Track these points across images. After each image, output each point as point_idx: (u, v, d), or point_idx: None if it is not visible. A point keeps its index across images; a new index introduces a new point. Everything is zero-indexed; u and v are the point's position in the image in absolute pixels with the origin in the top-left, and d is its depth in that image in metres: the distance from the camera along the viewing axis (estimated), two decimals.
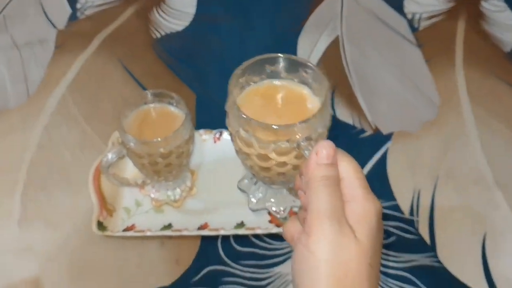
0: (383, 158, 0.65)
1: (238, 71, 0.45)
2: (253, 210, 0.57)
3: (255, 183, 0.58)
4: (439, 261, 0.55)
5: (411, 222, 0.58)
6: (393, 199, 0.61)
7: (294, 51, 0.79)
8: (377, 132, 0.68)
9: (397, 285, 0.53)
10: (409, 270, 0.54)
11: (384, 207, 0.60)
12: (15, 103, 0.72)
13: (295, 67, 0.47)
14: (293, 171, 0.45)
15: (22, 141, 0.66)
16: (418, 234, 0.57)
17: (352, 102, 0.72)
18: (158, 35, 0.83)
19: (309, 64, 0.46)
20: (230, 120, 0.45)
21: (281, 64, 0.47)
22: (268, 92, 0.48)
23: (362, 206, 0.34)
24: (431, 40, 0.82)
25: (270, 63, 0.47)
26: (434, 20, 0.86)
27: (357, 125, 0.69)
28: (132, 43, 0.81)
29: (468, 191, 0.62)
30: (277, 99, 0.48)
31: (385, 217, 0.59)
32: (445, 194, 0.61)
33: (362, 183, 0.35)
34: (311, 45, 0.81)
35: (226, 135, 0.64)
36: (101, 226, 0.55)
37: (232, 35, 0.83)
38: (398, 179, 0.63)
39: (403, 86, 0.75)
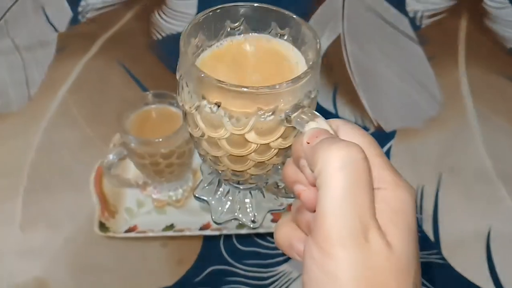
0: (386, 155, 0.64)
1: (189, 29, 0.34)
2: (218, 223, 0.44)
3: (218, 185, 0.44)
4: (443, 258, 0.55)
5: None
6: None
7: None
8: (379, 129, 0.68)
9: None
10: None
11: None
12: (16, 106, 0.72)
13: (266, 20, 0.36)
14: (276, 159, 0.35)
15: (24, 143, 0.66)
16: (422, 231, 0.57)
17: (355, 100, 0.72)
18: (159, 37, 0.83)
19: (287, 14, 0.35)
20: (185, 94, 0.33)
21: (247, 16, 0.36)
22: (233, 53, 0.36)
23: (395, 197, 0.25)
24: (433, 37, 0.82)
25: (232, 16, 0.36)
26: (436, 17, 0.85)
27: (360, 123, 0.69)
28: (133, 45, 0.81)
29: (472, 187, 0.61)
30: (248, 61, 0.37)
31: None
32: (448, 190, 0.61)
33: (386, 164, 0.27)
34: None
35: None
36: (103, 227, 0.55)
37: None
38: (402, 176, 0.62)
39: (405, 84, 0.74)
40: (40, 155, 0.65)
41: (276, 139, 0.32)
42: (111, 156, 0.53)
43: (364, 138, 0.27)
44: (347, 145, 0.25)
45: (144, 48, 0.81)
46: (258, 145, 0.32)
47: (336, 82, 0.74)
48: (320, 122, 0.28)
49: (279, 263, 0.55)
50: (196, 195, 0.44)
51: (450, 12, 0.87)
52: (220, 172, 0.37)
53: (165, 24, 0.85)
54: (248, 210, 0.43)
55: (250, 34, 0.37)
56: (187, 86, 0.32)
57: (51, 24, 0.85)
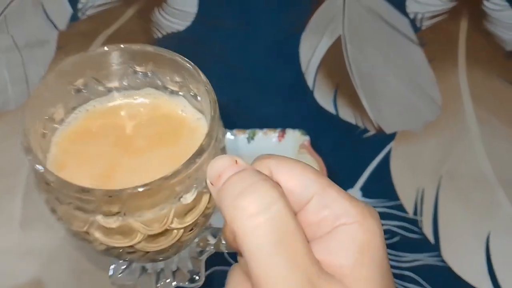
0: (387, 157, 0.64)
1: (51, 75, 0.25)
2: (114, 284, 0.37)
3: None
4: (443, 261, 0.55)
5: (415, 222, 0.58)
6: (397, 198, 0.60)
7: (296, 51, 0.79)
8: (380, 131, 0.68)
9: (401, 285, 0.53)
10: (414, 269, 0.54)
11: (388, 207, 0.60)
12: (15, 104, 0.71)
13: (165, 69, 0.27)
14: (189, 236, 0.27)
15: None
16: (422, 234, 0.57)
17: (355, 102, 0.72)
18: (160, 35, 0.82)
19: (188, 68, 0.26)
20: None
21: (145, 65, 0.27)
22: (116, 118, 0.26)
23: (364, 231, 0.21)
24: (433, 39, 0.82)
25: (100, 69, 0.26)
26: (436, 19, 0.86)
27: (360, 124, 0.69)
28: (133, 43, 0.81)
29: (472, 190, 0.61)
30: (139, 127, 0.27)
31: (389, 217, 0.59)
32: (448, 193, 0.61)
33: (342, 193, 0.23)
34: (313, 45, 0.81)
35: (229, 134, 0.64)
36: None
37: (234, 34, 0.83)
38: (402, 179, 0.62)
39: (405, 86, 0.74)
40: None
41: (171, 221, 0.24)
42: None
43: (305, 171, 0.23)
44: (259, 188, 0.20)
45: None
46: (145, 235, 0.24)
47: (336, 83, 0.75)
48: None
49: None
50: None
51: (450, 14, 0.87)
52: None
53: (166, 22, 0.85)
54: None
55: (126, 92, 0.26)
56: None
57: (51, 22, 0.84)
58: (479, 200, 0.60)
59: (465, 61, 0.78)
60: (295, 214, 0.21)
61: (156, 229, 0.24)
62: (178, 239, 0.25)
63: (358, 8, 0.87)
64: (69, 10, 0.87)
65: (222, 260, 0.55)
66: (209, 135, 0.23)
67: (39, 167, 0.22)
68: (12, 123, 0.69)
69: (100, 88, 0.26)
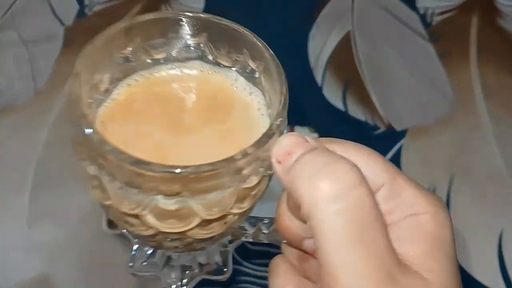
0: (397, 155, 0.64)
1: (100, 39, 0.22)
2: (134, 275, 0.35)
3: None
4: None
5: None
6: None
7: (305, 46, 0.78)
8: (390, 128, 0.67)
9: None
10: None
11: None
12: (22, 100, 0.71)
13: (221, 41, 0.25)
14: (237, 223, 0.26)
15: (30, 138, 0.66)
16: None
17: (365, 98, 0.71)
18: None
19: (252, 40, 0.24)
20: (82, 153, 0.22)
21: (198, 35, 0.24)
22: (163, 92, 0.24)
23: (435, 222, 0.21)
24: (444, 35, 0.81)
25: (171, 30, 0.24)
26: (447, 15, 0.84)
27: (370, 121, 0.68)
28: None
29: (484, 187, 0.61)
30: (188, 101, 0.24)
31: None
32: (460, 191, 0.60)
33: (412, 182, 0.22)
34: (323, 39, 0.80)
35: None
36: (111, 224, 0.55)
37: None
38: (413, 176, 0.61)
39: (416, 82, 0.73)
40: (47, 149, 0.65)
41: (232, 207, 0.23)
42: None
43: (374, 157, 0.22)
44: (336, 174, 0.19)
45: None
46: (201, 220, 0.22)
47: (346, 80, 0.74)
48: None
49: None
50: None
51: (461, 9, 0.86)
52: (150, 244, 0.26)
53: None
54: (173, 272, 0.33)
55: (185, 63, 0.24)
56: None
57: (58, 18, 0.84)
58: (492, 197, 0.60)
59: (477, 57, 0.77)
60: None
61: (215, 213, 0.22)
62: (229, 226, 0.24)
63: (367, 3, 0.86)
64: (75, 6, 0.86)
65: (232, 259, 0.54)
66: (280, 115, 0.22)
67: (93, 134, 0.19)
68: (19, 118, 0.68)
69: (148, 59, 0.25)
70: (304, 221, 0.20)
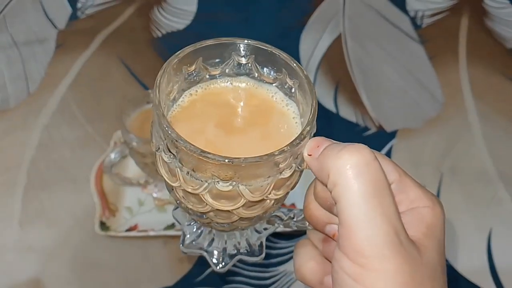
0: (388, 155, 0.64)
1: (175, 60, 0.29)
2: (184, 253, 0.40)
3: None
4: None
5: None
6: None
7: (296, 49, 0.79)
8: (380, 129, 0.68)
9: None
10: None
11: None
12: (15, 102, 0.71)
13: (265, 62, 0.32)
14: (272, 208, 0.31)
15: (23, 140, 0.66)
16: None
17: (355, 100, 0.72)
18: (159, 34, 0.82)
19: (290, 64, 0.30)
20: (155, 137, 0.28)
21: (247, 57, 0.32)
22: (217, 100, 0.31)
23: (433, 214, 0.25)
24: (434, 37, 0.82)
25: (225, 53, 0.31)
26: (437, 17, 0.85)
27: (361, 122, 0.68)
28: (132, 42, 0.81)
29: (473, 187, 0.61)
30: (236, 108, 0.32)
31: None
32: (450, 190, 0.61)
33: (415, 182, 0.26)
34: (314, 42, 0.80)
35: None
36: (104, 226, 0.55)
37: (234, 32, 0.82)
38: None
39: (406, 83, 0.74)
40: (39, 151, 0.65)
41: (270, 193, 0.29)
42: (112, 155, 0.53)
43: (385, 160, 0.26)
44: (356, 148, 0.24)
45: (144, 44, 0.80)
46: (247, 200, 0.28)
47: (337, 81, 0.74)
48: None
49: (280, 263, 0.54)
50: (174, 216, 0.40)
51: (450, 11, 0.87)
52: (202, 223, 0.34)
53: (165, 21, 0.85)
54: (216, 249, 0.38)
55: (237, 78, 0.32)
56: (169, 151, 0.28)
57: (50, 21, 0.84)
58: (480, 196, 0.60)
59: (466, 58, 0.78)
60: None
61: (257, 196, 0.28)
62: (266, 210, 0.30)
63: (358, 6, 0.87)
64: (68, 9, 0.86)
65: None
66: (310, 123, 0.27)
67: (171, 130, 0.26)
68: (11, 120, 0.69)
69: (206, 75, 0.32)
70: (329, 207, 0.26)
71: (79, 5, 0.87)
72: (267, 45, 0.31)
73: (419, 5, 0.87)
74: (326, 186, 0.25)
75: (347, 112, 0.70)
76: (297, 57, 0.78)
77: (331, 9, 0.86)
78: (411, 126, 0.68)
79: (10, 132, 0.67)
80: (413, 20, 0.85)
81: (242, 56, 0.32)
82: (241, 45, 0.32)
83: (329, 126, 0.68)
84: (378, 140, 0.66)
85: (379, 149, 0.65)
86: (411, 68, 0.76)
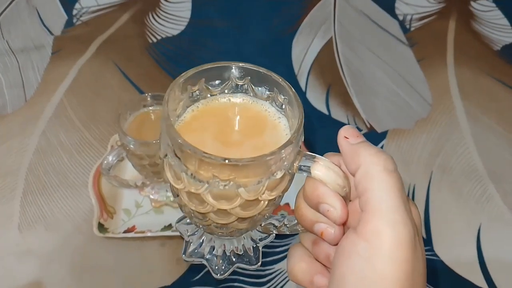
0: None
1: (180, 80, 0.34)
2: (186, 261, 0.43)
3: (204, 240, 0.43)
4: (435, 255, 0.56)
5: None
6: None
7: (289, 53, 0.81)
8: (371, 130, 0.69)
9: None
10: None
11: None
12: (12, 108, 0.72)
13: (259, 83, 0.36)
14: (266, 210, 0.34)
15: (20, 145, 0.67)
16: None
17: (347, 102, 0.73)
18: (154, 40, 0.83)
19: (281, 83, 0.34)
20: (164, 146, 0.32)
21: (243, 78, 0.36)
22: (215, 115, 0.36)
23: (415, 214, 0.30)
24: (422, 40, 0.83)
25: (225, 75, 0.36)
26: (425, 20, 0.87)
27: (352, 123, 0.70)
28: (128, 48, 0.82)
29: (462, 185, 0.63)
30: (233, 121, 0.36)
31: None
32: (439, 188, 0.62)
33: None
34: (305, 46, 0.82)
35: None
36: (102, 228, 0.56)
37: (227, 38, 0.84)
38: None
39: (396, 85, 0.76)
40: (37, 156, 0.66)
41: (263, 193, 0.32)
42: (110, 158, 0.54)
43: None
44: (389, 156, 0.29)
45: (139, 50, 0.81)
46: (244, 199, 0.32)
47: (328, 84, 0.76)
48: (324, 161, 0.30)
49: (276, 261, 0.56)
50: (178, 229, 0.42)
51: (438, 15, 0.89)
52: (204, 226, 0.37)
53: (160, 27, 0.86)
54: (215, 257, 0.42)
55: (234, 95, 0.36)
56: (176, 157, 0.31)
57: (46, 27, 0.85)
58: (469, 193, 0.62)
59: (454, 60, 0.80)
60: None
61: (252, 196, 0.31)
62: (260, 212, 0.33)
63: (348, 10, 0.89)
64: (63, 16, 0.88)
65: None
66: (297, 131, 0.31)
67: (178, 136, 0.29)
68: (9, 126, 0.69)
69: (208, 94, 0.36)
70: (316, 206, 0.30)
71: (74, 11, 0.88)
72: (260, 67, 0.35)
73: (408, 9, 0.89)
74: (350, 172, 0.29)
75: (339, 114, 0.71)
76: (289, 61, 0.79)
77: (322, 14, 0.88)
78: (401, 127, 0.70)
79: (8, 138, 0.68)
80: (402, 23, 0.86)
81: (239, 78, 0.36)
82: (237, 68, 0.36)
83: (321, 127, 0.70)
84: (370, 140, 0.66)
85: None
86: (401, 71, 0.78)
